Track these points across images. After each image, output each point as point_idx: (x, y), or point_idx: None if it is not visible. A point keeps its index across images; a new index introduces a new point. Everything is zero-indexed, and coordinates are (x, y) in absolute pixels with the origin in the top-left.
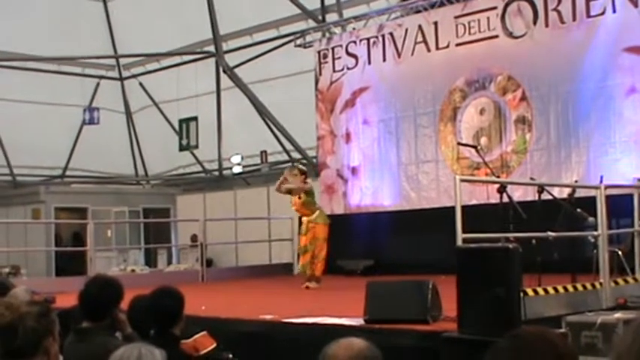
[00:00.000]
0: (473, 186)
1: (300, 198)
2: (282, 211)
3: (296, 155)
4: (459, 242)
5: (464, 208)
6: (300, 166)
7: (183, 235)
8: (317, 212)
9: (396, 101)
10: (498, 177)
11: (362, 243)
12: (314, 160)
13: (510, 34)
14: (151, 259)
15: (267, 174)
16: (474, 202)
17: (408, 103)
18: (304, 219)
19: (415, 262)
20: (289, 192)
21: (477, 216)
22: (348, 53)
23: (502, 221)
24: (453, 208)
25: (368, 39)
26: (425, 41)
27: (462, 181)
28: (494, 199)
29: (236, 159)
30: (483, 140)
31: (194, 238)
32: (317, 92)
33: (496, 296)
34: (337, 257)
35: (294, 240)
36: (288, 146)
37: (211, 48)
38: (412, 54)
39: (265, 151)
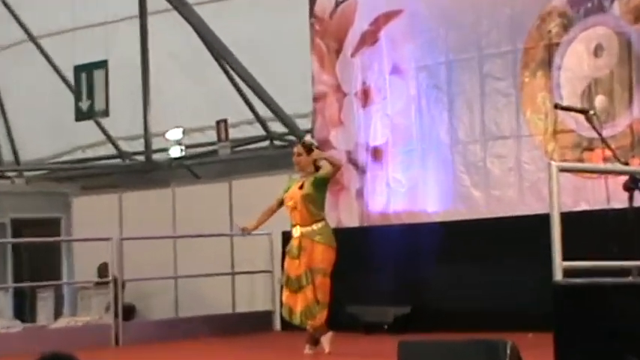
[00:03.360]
0: (581, 179)
1: (301, 189)
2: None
3: (278, 128)
4: (558, 275)
5: (566, 216)
6: (308, 140)
7: (83, 264)
8: (322, 223)
9: (447, 35)
10: (626, 164)
11: (390, 276)
12: (307, 136)
13: None
14: (25, 308)
15: (229, 160)
16: (583, 206)
17: (468, 39)
18: (297, 230)
19: (481, 310)
20: (317, 169)
21: (588, 230)
22: None
23: (632, 239)
24: (546, 218)
25: None
26: None
27: (562, 170)
28: (619, 201)
29: (175, 134)
30: (600, 100)
31: (103, 269)
32: (313, 21)
33: None
34: (348, 301)
35: (275, 272)
36: (264, 112)
37: None
38: None
39: (225, 121)
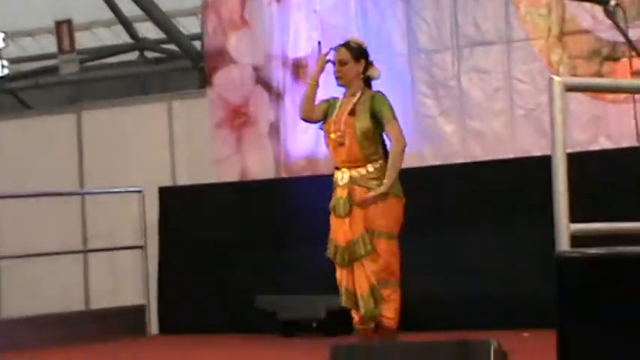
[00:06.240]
0: (601, 103)
1: (352, 115)
2: (123, 171)
3: (150, 33)
4: (563, 244)
5: (574, 158)
6: (355, 40)
7: None
8: (380, 163)
9: None
10: None
11: (320, 253)
12: (191, 44)
13: None
14: None
15: (76, 81)
16: (603, 144)
17: None
18: (344, 175)
19: (456, 298)
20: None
21: (609, 178)
22: None
23: None
24: (545, 160)
25: None
26: None
27: (571, 89)
28: None
29: None
30: None
31: None
32: None
33: None
34: (258, 290)
35: (149, 247)
36: (129, 9)
37: None
38: None
39: (69, 22)
